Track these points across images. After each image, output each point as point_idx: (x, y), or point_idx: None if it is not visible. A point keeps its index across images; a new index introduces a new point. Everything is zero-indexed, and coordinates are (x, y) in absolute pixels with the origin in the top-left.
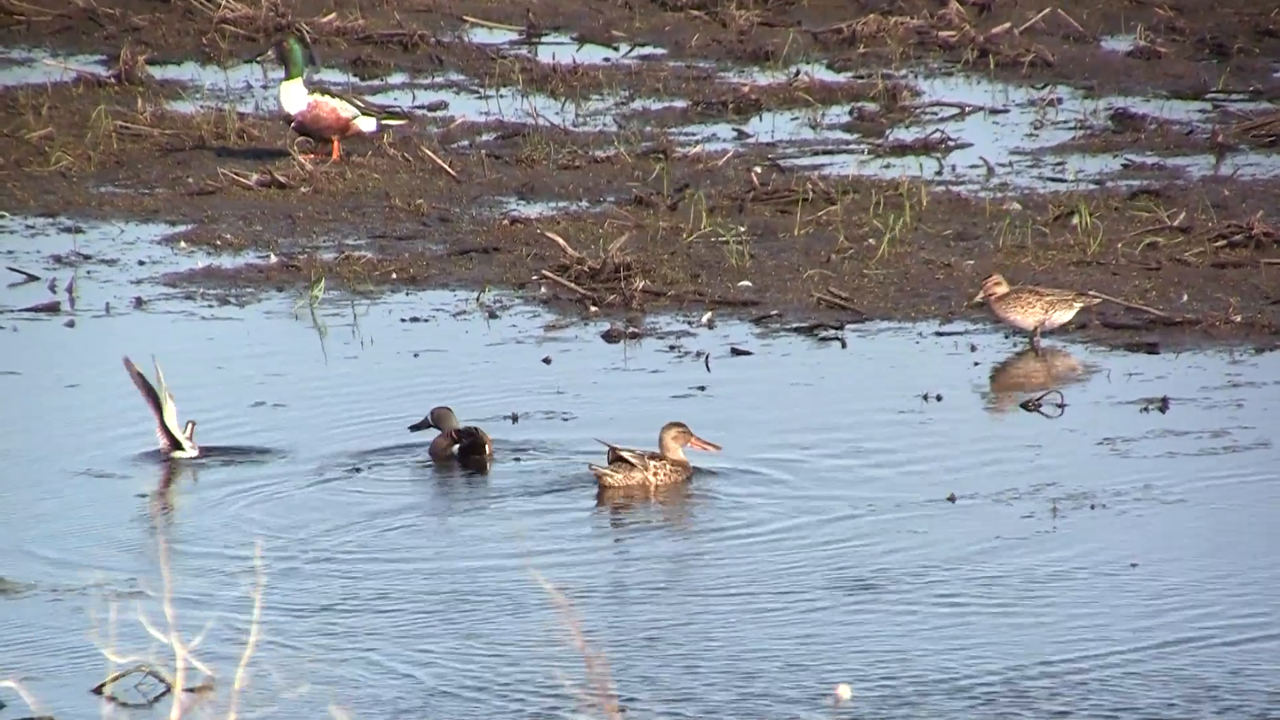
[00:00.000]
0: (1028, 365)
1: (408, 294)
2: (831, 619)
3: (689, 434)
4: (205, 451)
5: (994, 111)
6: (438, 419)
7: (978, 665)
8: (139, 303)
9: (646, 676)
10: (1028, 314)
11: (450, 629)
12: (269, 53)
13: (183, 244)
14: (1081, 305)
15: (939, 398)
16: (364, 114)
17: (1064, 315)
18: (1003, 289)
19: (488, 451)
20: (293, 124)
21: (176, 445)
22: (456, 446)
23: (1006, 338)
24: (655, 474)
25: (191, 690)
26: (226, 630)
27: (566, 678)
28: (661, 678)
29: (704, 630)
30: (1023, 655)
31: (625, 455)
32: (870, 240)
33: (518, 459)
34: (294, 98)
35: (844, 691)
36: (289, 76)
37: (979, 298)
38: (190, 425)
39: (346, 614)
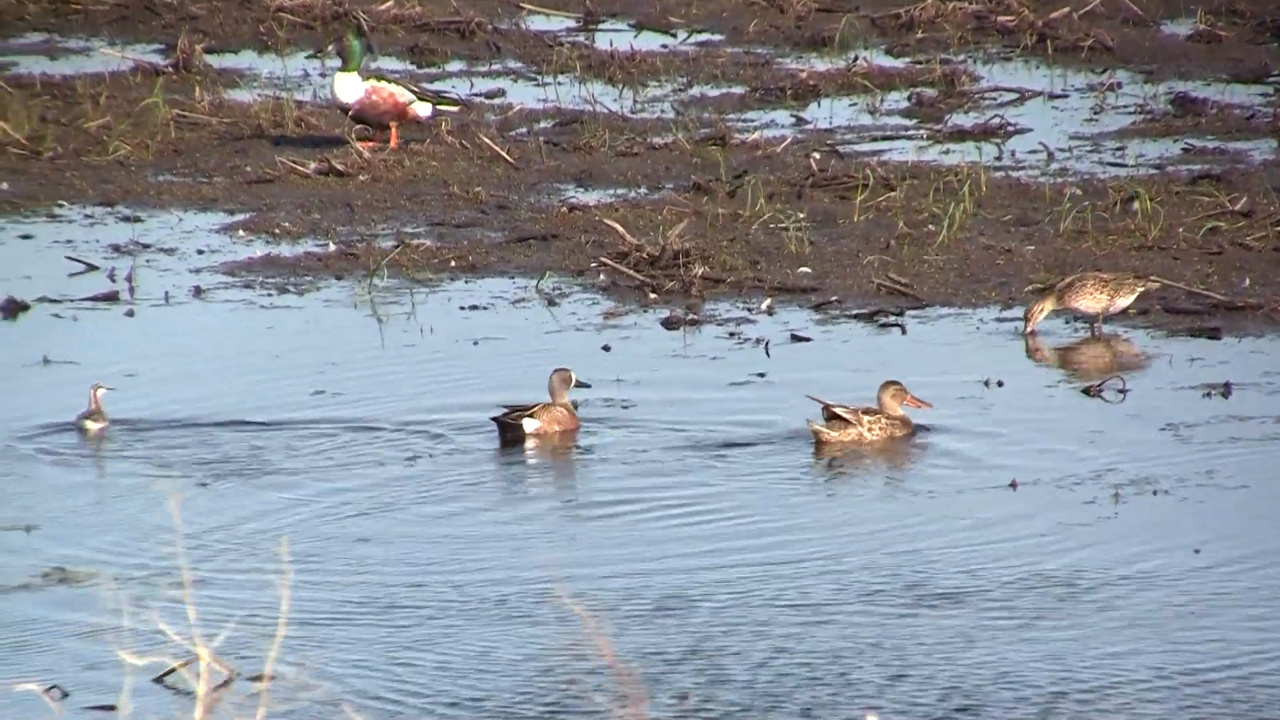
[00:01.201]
0: (1089, 351)
1: (467, 282)
2: (885, 619)
3: (905, 392)
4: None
5: (1053, 96)
6: (554, 386)
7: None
8: (198, 291)
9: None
10: (1094, 300)
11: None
12: (329, 48)
13: (241, 232)
14: (1143, 288)
15: (1000, 383)
16: (420, 99)
17: (1127, 299)
18: (1049, 304)
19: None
20: (350, 112)
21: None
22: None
23: (1067, 323)
24: (870, 429)
25: (255, 679)
26: (296, 622)
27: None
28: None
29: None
30: (1078, 648)
31: (840, 411)
32: (930, 226)
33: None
34: (350, 87)
35: None
36: (345, 68)
37: (1029, 328)
38: (94, 391)
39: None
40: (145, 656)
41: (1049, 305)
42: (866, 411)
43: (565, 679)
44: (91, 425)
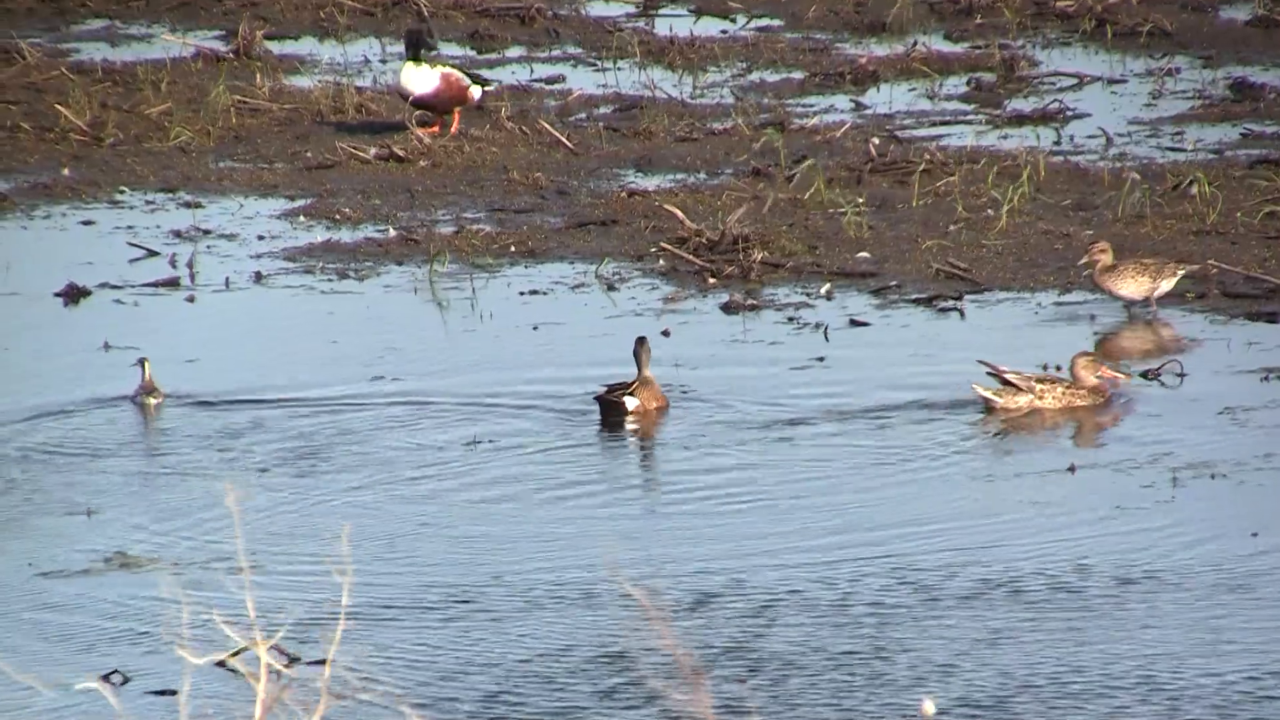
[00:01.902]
0: (1146, 335)
1: (526, 267)
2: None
3: (1098, 362)
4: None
5: (1112, 81)
6: (641, 356)
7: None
8: (258, 277)
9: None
10: (1137, 286)
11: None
12: (407, 37)
13: (301, 218)
14: (1183, 272)
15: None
16: (475, 82)
17: (1169, 283)
18: (1108, 257)
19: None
20: (413, 99)
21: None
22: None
23: (1125, 308)
24: (1042, 397)
25: (317, 664)
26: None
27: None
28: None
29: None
30: (1147, 632)
31: (1011, 379)
32: (988, 211)
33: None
34: (422, 77)
35: (929, 707)
36: (414, 59)
37: (1084, 260)
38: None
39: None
40: (205, 642)
41: (1110, 249)
42: (1042, 380)
43: (633, 668)
44: (150, 400)
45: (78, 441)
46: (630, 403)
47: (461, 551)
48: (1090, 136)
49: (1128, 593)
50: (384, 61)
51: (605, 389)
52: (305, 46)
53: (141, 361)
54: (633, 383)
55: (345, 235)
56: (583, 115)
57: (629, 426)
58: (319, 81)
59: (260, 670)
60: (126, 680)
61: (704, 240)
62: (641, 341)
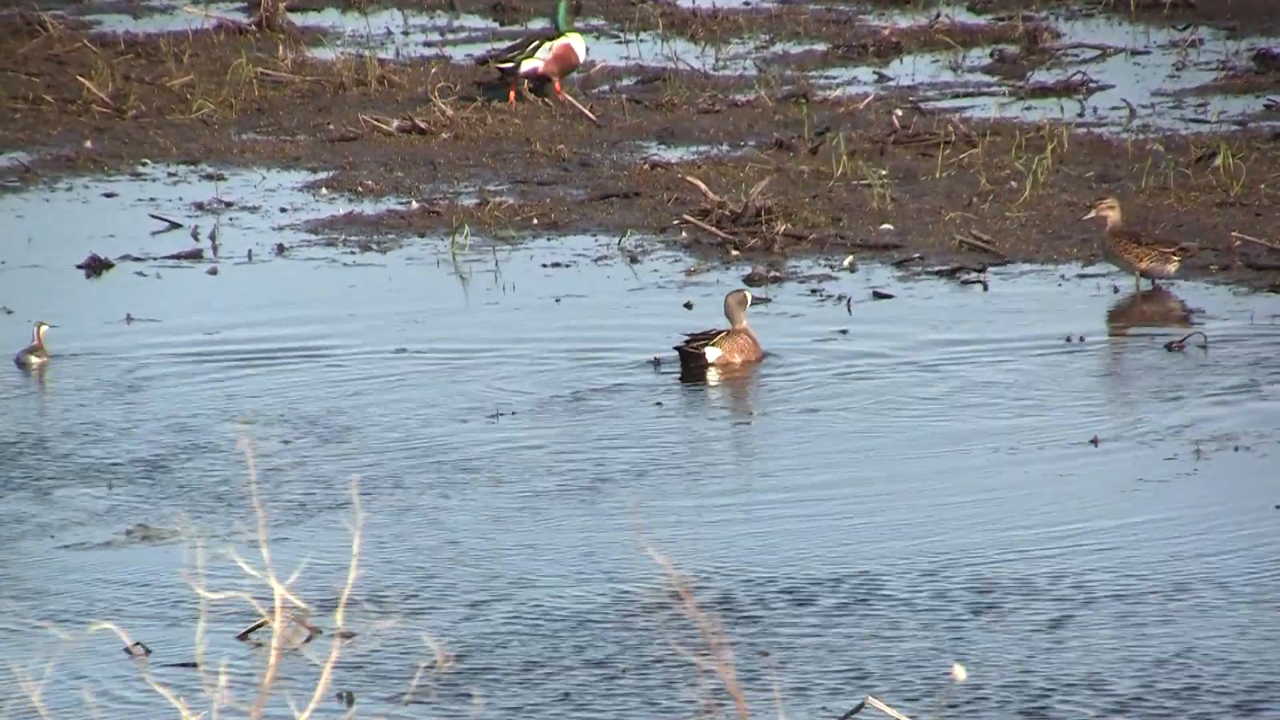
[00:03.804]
0: (1169, 306)
1: (549, 239)
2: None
3: (746, 297)
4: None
5: (1135, 53)
6: (731, 309)
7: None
8: (281, 249)
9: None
10: (1139, 258)
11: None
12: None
13: (324, 190)
14: (1180, 259)
15: (1082, 339)
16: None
17: (1170, 267)
18: (1115, 214)
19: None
20: (531, 73)
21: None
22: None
23: (1153, 283)
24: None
25: (344, 636)
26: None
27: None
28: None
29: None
30: (1155, 587)
31: (693, 348)
32: (1012, 183)
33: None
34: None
35: (960, 671)
36: (562, 32)
37: (1090, 215)
38: (38, 328)
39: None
40: (227, 614)
41: (1117, 206)
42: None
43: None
44: (34, 360)
45: (96, 413)
46: (711, 354)
47: (485, 525)
48: (1113, 108)
49: (1135, 553)
50: (406, 34)
51: (687, 338)
52: (328, 18)
53: (38, 325)
54: (717, 333)
55: (367, 207)
56: (605, 87)
57: (711, 379)
58: (341, 53)
59: (274, 639)
60: (148, 652)
61: (727, 212)
62: (733, 294)
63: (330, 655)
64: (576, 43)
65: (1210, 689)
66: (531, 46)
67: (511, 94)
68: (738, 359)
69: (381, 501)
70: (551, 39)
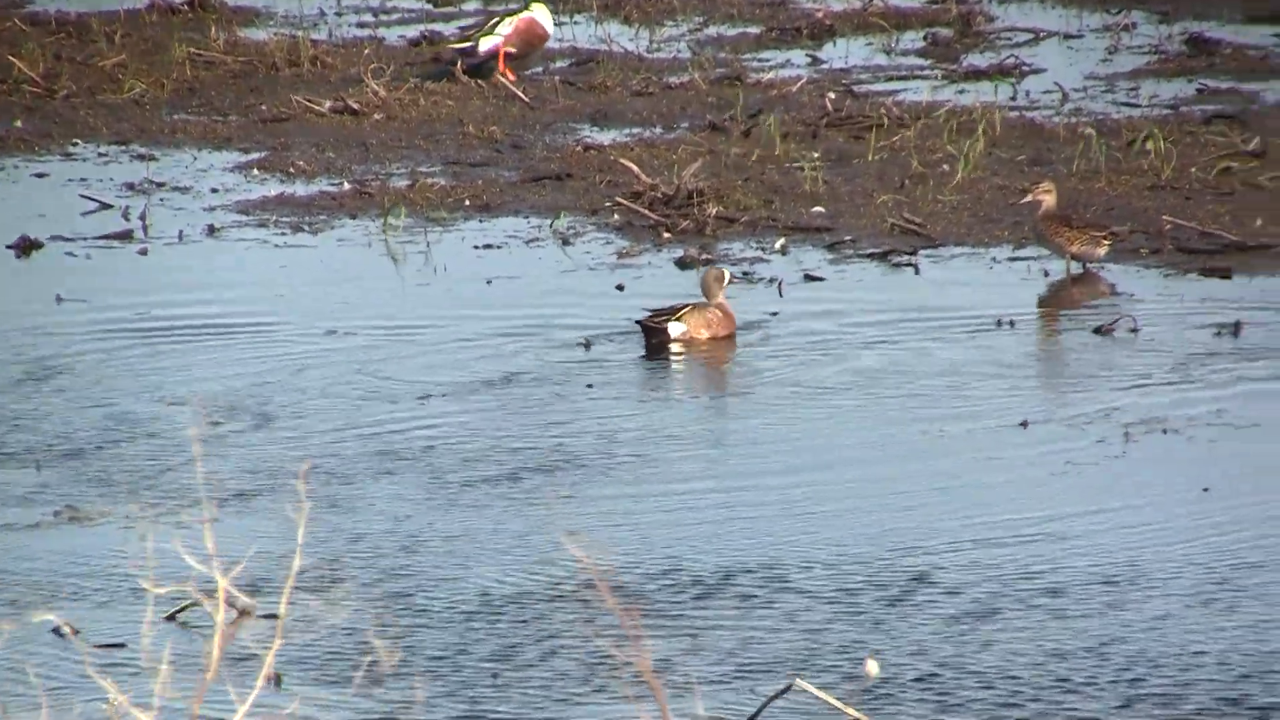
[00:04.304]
0: (1099, 290)
1: (481, 221)
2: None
3: (724, 276)
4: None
5: (1068, 36)
6: (708, 284)
7: (1043, 577)
8: (212, 230)
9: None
10: (1070, 242)
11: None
12: None
13: (256, 171)
14: (1111, 243)
15: (1012, 322)
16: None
17: (1100, 251)
18: (1051, 198)
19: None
20: (492, 51)
21: None
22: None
23: (1084, 267)
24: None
25: (271, 616)
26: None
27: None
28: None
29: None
30: (1083, 578)
31: (655, 322)
32: (944, 166)
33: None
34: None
35: (872, 667)
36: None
37: (1027, 199)
38: None
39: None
40: (157, 594)
41: (1054, 190)
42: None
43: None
44: None
45: (25, 394)
46: (674, 329)
47: (415, 499)
48: (1046, 92)
49: (1068, 538)
50: (339, 14)
51: (649, 313)
52: None
53: None
54: (683, 307)
55: (299, 188)
56: (539, 69)
57: (673, 354)
58: (274, 34)
59: (218, 619)
60: (77, 632)
61: (659, 194)
62: (710, 270)
63: (274, 641)
64: (542, 15)
65: (1135, 678)
66: (491, 23)
67: (505, 73)
68: (704, 334)
69: (309, 483)
70: (514, 13)
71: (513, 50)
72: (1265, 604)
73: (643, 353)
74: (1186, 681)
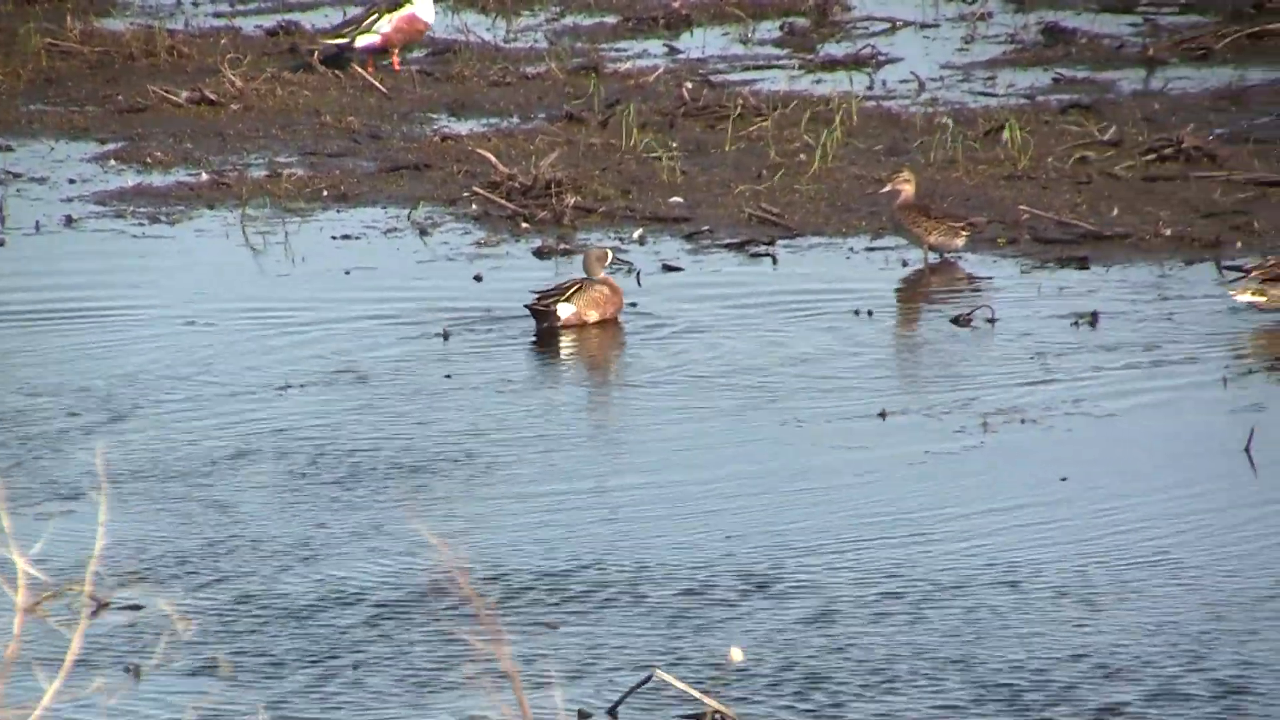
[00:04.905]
0: (957, 280)
1: (339, 211)
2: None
3: (605, 255)
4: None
5: (925, 26)
6: (589, 266)
7: (911, 572)
8: (69, 221)
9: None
10: (928, 231)
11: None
12: None
13: (113, 162)
14: (969, 233)
15: (870, 313)
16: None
17: (958, 241)
18: (910, 188)
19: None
20: (369, 48)
21: None
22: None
23: (941, 257)
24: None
25: (127, 609)
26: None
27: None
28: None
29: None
30: (946, 568)
31: (544, 306)
32: (801, 156)
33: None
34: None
35: (736, 654)
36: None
37: (886, 189)
38: None
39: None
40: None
41: (913, 180)
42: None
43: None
44: None
45: None
46: (563, 310)
47: (269, 496)
48: (903, 81)
49: (928, 528)
50: (195, 4)
51: (537, 295)
52: None
53: None
54: (570, 286)
55: (157, 179)
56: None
57: (563, 341)
58: (131, 24)
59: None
60: None
61: (517, 185)
62: (591, 252)
63: (79, 627)
64: (423, 8)
65: (984, 670)
66: (369, 21)
67: (368, 67)
68: (593, 314)
69: (160, 474)
70: (393, 9)
71: (394, 45)
72: (1118, 598)
73: (514, 339)
74: (1040, 674)
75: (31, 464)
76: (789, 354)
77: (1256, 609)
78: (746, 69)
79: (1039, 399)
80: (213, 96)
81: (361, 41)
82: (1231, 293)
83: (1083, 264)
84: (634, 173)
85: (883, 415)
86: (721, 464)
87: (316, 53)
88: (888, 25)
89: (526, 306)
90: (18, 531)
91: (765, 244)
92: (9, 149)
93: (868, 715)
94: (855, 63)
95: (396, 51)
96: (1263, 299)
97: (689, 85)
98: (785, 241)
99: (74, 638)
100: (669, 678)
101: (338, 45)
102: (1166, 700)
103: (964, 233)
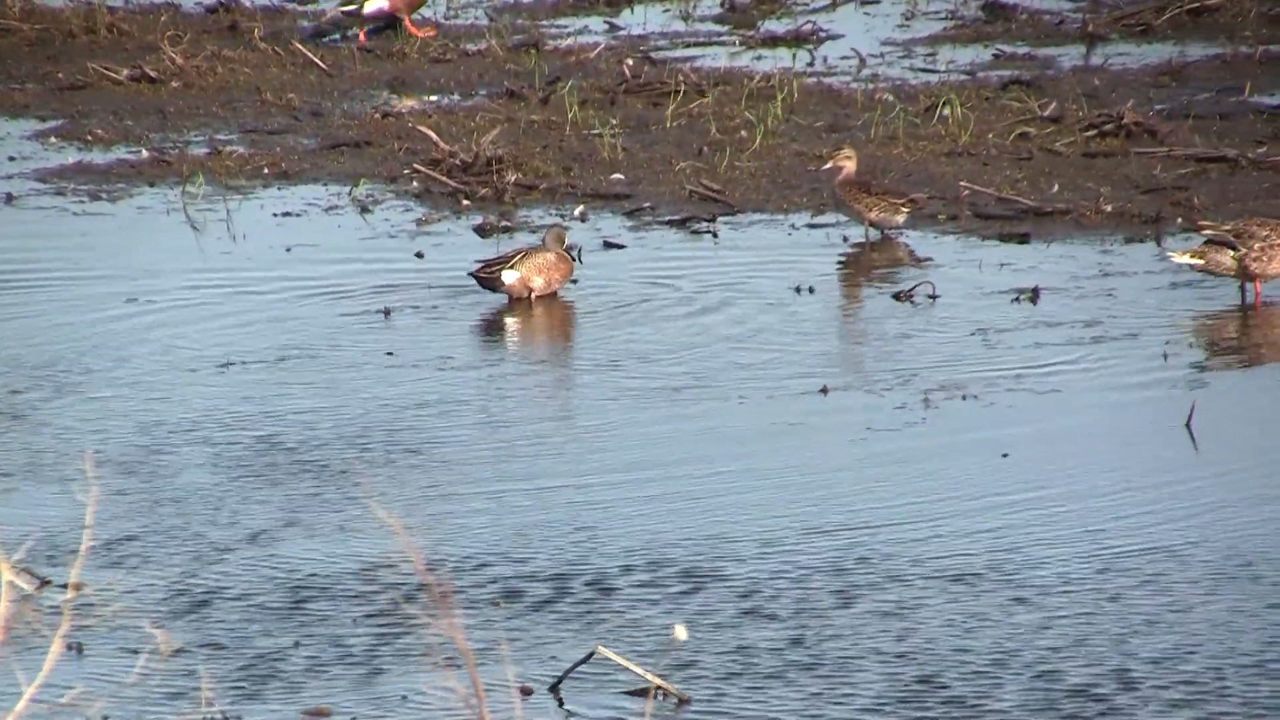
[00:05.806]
0: (898, 256)
1: (280, 189)
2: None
3: (563, 232)
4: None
5: (865, 2)
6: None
7: (842, 552)
8: (9, 199)
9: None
10: (869, 208)
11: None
12: None
13: (53, 139)
14: (910, 209)
15: (811, 289)
16: None
17: (899, 217)
18: (852, 165)
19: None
20: (377, 14)
21: None
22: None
23: (882, 233)
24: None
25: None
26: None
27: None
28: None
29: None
30: (886, 544)
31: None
32: (742, 132)
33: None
34: None
35: (680, 631)
36: None
37: (828, 165)
38: None
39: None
40: None
41: (854, 156)
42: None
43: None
44: None
45: None
46: (508, 277)
47: (215, 475)
48: (844, 58)
49: (865, 507)
50: None
51: (480, 264)
52: None
53: None
54: (515, 254)
55: (97, 156)
56: (337, 36)
57: (505, 319)
58: (71, 1)
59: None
60: None
61: (458, 162)
62: (552, 230)
63: (65, 613)
64: None
65: (920, 658)
66: None
67: (361, 35)
68: (538, 281)
69: (100, 453)
70: None
71: (400, 11)
72: (1058, 576)
73: (455, 317)
74: (963, 652)
75: None
76: (730, 331)
77: (1192, 589)
78: (687, 46)
79: (980, 375)
80: (153, 74)
81: (370, 7)
82: (1171, 254)
83: (1023, 240)
84: (575, 150)
85: (825, 391)
86: (658, 440)
87: (257, 30)
88: (829, 2)
89: (471, 274)
90: None
91: (707, 221)
92: None
93: (806, 693)
94: (796, 39)
95: (407, 16)
96: (1200, 261)
97: (630, 62)
98: (726, 218)
99: (5, 617)
100: (611, 653)
101: (346, 10)
102: (1112, 681)
103: (905, 209)
